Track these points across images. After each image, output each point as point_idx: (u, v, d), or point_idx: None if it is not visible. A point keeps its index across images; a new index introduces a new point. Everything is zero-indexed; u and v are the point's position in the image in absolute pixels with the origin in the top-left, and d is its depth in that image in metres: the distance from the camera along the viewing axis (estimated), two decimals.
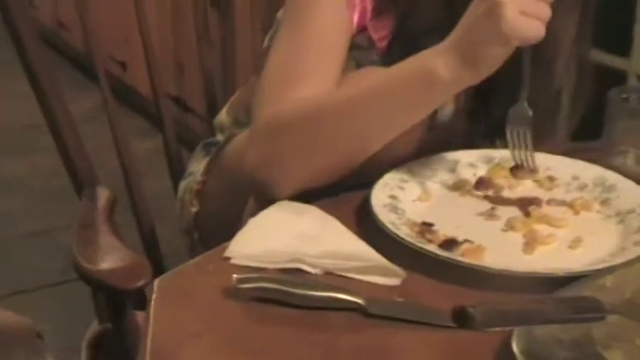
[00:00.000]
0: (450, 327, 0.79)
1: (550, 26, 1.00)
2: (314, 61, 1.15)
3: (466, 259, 0.93)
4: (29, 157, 3.10)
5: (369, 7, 1.20)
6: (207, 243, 1.33)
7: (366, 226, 1.01)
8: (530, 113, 1.09)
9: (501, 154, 1.17)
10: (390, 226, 0.97)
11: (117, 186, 1.44)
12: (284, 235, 0.97)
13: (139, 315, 1.23)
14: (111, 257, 1.19)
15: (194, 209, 1.35)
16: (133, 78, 3.42)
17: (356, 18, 1.19)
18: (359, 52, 1.24)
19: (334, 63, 1.16)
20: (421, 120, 1.07)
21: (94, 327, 1.37)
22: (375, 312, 0.85)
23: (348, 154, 1.07)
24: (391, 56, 1.22)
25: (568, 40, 1.29)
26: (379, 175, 1.09)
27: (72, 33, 3.78)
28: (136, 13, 1.52)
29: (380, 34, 1.22)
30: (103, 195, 1.35)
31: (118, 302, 1.20)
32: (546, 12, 0.98)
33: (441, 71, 1.00)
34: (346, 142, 1.07)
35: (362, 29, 1.22)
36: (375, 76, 1.10)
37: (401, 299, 0.89)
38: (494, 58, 0.99)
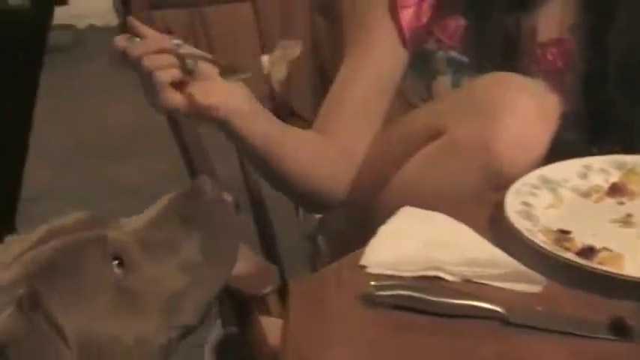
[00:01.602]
0: (597, 338, 0.77)
1: None
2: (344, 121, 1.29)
3: (607, 268, 0.91)
4: (140, 161, 3.15)
5: (427, 8, 1.24)
6: (333, 248, 1.34)
7: (497, 232, 1.00)
8: None
9: (635, 160, 1.14)
10: (526, 234, 0.95)
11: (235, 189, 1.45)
12: (418, 243, 0.96)
13: (264, 320, 1.24)
14: (238, 263, 1.20)
15: (318, 215, 1.35)
16: None
17: (408, 17, 1.24)
18: (426, 63, 1.30)
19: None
20: None
21: (218, 331, 1.39)
22: (517, 321, 0.83)
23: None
24: (465, 44, 1.28)
25: None
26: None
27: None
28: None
29: (447, 33, 1.27)
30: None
31: (244, 308, 1.21)
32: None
33: None
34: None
35: (423, 33, 1.26)
36: None
37: (540, 308, 0.87)
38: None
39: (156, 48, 1.08)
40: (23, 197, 2.29)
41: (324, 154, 1.27)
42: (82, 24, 4.75)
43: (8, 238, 0.94)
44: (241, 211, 1.39)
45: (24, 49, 2.05)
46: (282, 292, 1.43)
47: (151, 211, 0.96)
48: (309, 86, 2.54)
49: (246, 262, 1.21)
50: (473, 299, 0.85)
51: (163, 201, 0.97)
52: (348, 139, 1.28)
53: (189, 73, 1.11)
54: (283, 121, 1.57)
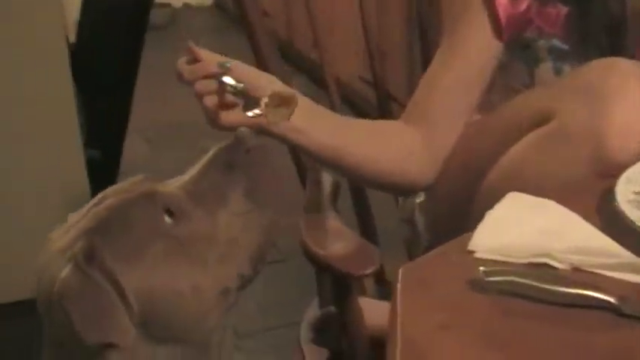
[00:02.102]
0: None
1: None
2: (432, 110, 1.28)
3: None
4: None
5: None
6: (432, 232, 1.33)
7: (606, 221, 0.98)
8: None
9: None
10: (639, 224, 0.93)
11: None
12: (526, 229, 0.95)
13: (360, 300, 1.25)
14: (340, 243, 1.21)
15: (419, 200, 1.35)
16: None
17: (504, 2, 1.23)
18: (527, 50, 1.30)
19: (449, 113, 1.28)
20: None
21: (316, 310, 1.40)
22: (630, 312, 0.82)
23: None
24: (567, 31, 1.27)
25: None
26: None
27: (274, 20, 3.86)
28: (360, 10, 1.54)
29: (548, 20, 1.26)
30: (327, 181, 1.38)
31: (344, 287, 1.21)
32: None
33: None
34: None
35: (522, 21, 1.25)
36: None
37: None
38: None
39: (202, 74, 1.13)
40: (120, 172, 2.34)
41: (401, 146, 1.28)
42: (177, 3, 4.82)
43: (69, 215, 0.97)
44: (341, 194, 1.41)
45: (128, 28, 2.09)
46: (379, 274, 1.44)
47: (197, 165, 0.99)
48: (405, 70, 2.53)
49: (347, 243, 1.22)
50: (584, 288, 0.84)
51: (208, 154, 1.00)
52: (436, 128, 1.28)
53: (236, 94, 1.14)
54: (381, 105, 1.58)
